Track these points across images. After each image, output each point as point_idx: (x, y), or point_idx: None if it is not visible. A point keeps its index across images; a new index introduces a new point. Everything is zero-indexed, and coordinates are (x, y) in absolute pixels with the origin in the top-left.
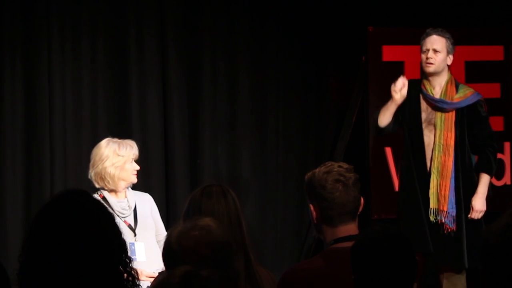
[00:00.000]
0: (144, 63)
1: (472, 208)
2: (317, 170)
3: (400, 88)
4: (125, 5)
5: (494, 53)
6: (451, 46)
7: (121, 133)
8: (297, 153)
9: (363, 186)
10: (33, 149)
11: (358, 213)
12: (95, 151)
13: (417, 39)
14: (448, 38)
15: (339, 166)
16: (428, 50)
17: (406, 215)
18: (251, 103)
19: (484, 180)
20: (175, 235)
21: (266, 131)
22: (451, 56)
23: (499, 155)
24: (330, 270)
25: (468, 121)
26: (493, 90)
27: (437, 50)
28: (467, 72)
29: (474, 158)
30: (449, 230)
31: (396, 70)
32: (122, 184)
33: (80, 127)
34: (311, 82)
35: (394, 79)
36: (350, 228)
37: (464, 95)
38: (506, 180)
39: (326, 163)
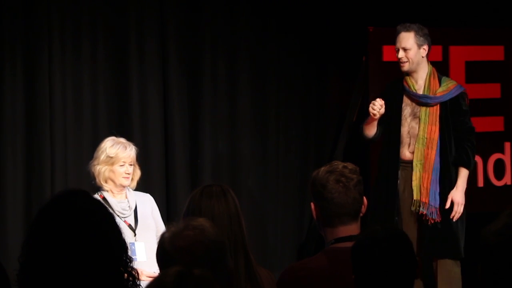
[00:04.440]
0: (144, 62)
1: (453, 202)
2: (321, 168)
3: (379, 109)
4: (125, 5)
5: (494, 53)
6: (421, 38)
7: (121, 133)
8: (297, 153)
9: (363, 186)
10: (33, 149)
11: (362, 214)
12: (97, 148)
13: None
14: (416, 31)
15: (344, 167)
16: (399, 49)
17: (377, 213)
18: (251, 103)
19: (463, 174)
20: (168, 235)
21: (266, 131)
22: (425, 47)
23: (499, 155)
24: (330, 269)
25: (450, 114)
26: (493, 90)
27: (406, 48)
28: (467, 72)
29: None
30: (432, 221)
31: (396, 70)
32: (112, 185)
33: (80, 127)
34: (311, 82)
35: (394, 79)
36: (351, 229)
37: (447, 88)
38: (506, 180)
39: (333, 162)
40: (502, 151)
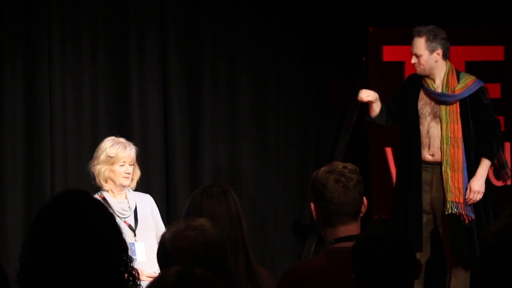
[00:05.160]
0: (144, 62)
1: (470, 189)
2: (321, 169)
3: (366, 96)
4: (125, 5)
5: (494, 53)
6: (433, 44)
7: (121, 133)
8: (297, 153)
9: (363, 186)
10: (33, 149)
11: (362, 214)
12: (97, 148)
13: None
14: (427, 35)
15: (344, 167)
16: (412, 54)
17: (398, 213)
18: (251, 103)
19: (484, 164)
20: (169, 235)
21: (266, 131)
22: (438, 51)
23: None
24: (330, 269)
25: (471, 110)
26: (493, 90)
27: (418, 54)
28: (467, 72)
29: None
30: (469, 220)
31: (396, 70)
32: (112, 185)
33: (80, 127)
34: (311, 82)
35: (394, 79)
36: (351, 229)
37: (465, 84)
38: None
39: (332, 162)
40: (499, 155)
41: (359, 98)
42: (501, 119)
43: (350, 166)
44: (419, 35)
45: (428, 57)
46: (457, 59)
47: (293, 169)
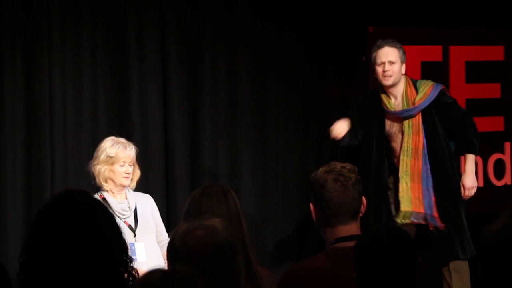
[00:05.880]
0: (144, 62)
1: (463, 187)
2: (320, 169)
3: (337, 134)
4: (125, 5)
5: (494, 53)
6: (404, 56)
7: (121, 133)
8: (297, 153)
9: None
10: (33, 149)
11: (361, 214)
12: (97, 148)
13: (417, 39)
14: (399, 48)
15: (342, 167)
16: (384, 62)
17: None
18: (251, 103)
19: (470, 158)
20: (181, 232)
21: (266, 131)
22: (404, 65)
23: (499, 155)
24: (331, 269)
25: (438, 114)
26: (493, 90)
27: (392, 61)
28: (467, 72)
29: (451, 152)
30: (436, 228)
31: None
32: (112, 185)
33: (80, 127)
34: (311, 82)
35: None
36: (351, 228)
37: (424, 94)
38: (506, 180)
39: (331, 162)
40: (502, 151)
41: (334, 136)
42: (501, 119)
43: (348, 166)
44: (392, 45)
45: (400, 67)
46: (457, 59)
47: (293, 169)
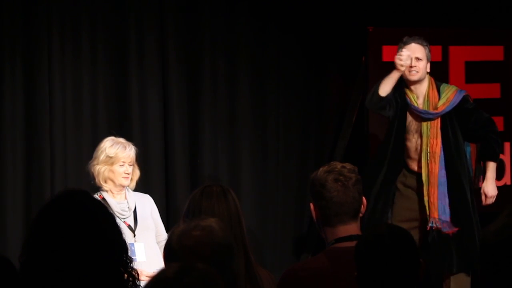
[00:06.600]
0: (144, 63)
1: (485, 195)
2: (320, 169)
3: (406, 59)
4: (125, 5)
5: (494, 53)
6: (429, 54)
7: (121, 133)
8: (297, 153)
9: (362, 186)
10: (33, 149)
11: (361, 214)
12: (96, 148)
13: None
14: (426, 46)
15: (342, 167)
16: (411, 58)
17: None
18: (251, 103)
19: (491, 166)
20: (177, 233)
21: (266, 131)
22: (429, 64)
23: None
24: (331, 269)
25: (459, 121)
26: (493, 90)
27: (419, 58)
28: (467, 72)
29: (467, 160)
30: (450, 234)
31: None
32: (111, 185)
33: (80, 127)
34: (311, 82)
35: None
36: (351, 228)
37: (447, 99)
38: (506, 180)
39: (331, 162)
40: (501, 151)
41: (400, 62)
42: (501, 119)
43: (348, 165)
44: (419, 42)
45: (425, 65)
46: (457, 59)
47: (293, 169)
